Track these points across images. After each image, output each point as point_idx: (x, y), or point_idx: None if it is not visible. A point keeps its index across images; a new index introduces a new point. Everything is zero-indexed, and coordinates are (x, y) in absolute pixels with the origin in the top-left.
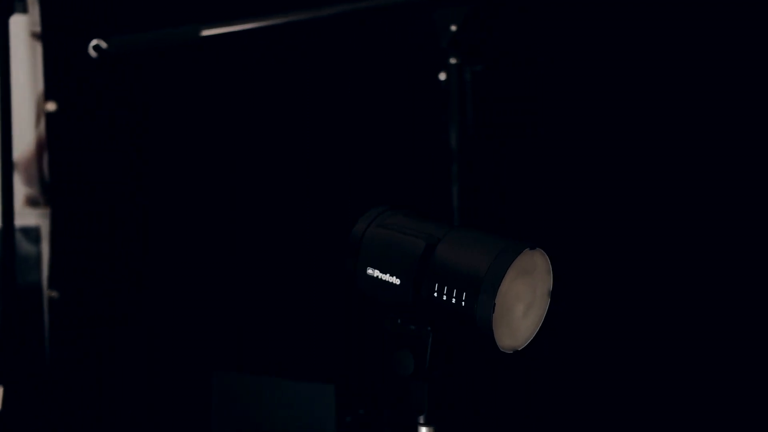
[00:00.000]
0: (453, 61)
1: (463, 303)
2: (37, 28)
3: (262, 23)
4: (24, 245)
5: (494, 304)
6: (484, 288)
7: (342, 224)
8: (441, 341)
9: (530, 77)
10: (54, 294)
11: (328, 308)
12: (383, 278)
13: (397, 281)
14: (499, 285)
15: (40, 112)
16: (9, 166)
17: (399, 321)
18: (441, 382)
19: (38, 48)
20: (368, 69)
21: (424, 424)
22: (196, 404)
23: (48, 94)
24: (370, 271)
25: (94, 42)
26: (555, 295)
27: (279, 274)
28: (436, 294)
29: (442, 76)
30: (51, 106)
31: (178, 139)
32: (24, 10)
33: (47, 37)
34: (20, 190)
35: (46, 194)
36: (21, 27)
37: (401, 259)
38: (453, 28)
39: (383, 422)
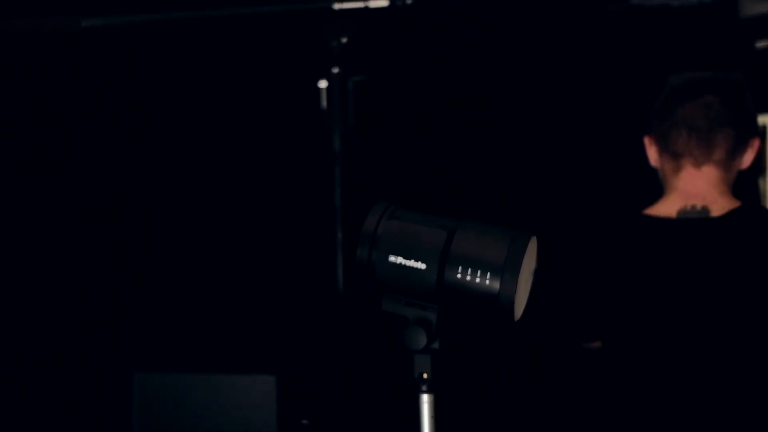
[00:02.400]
0: (335, 70)
1: (487, 282)
2: None
3: (147, 18)
4: None
5: (517, 281)
6: (507, 268)
7: (236, 222)
8: (443, 318)
9: (410, 86)
10: None
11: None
12: (408, 264)
13: (423, 266)
14: (521, 265)
15: None
16: None
17: (403, 301)
18: (440, 355)
19: None
20: (254, 73)
21: (426, 392)
22: (115, 409)
23: None
24: (392, 258)
25: None
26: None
27: (201, 272)
28: (459, 275)
29: (323, 84)
30: None
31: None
32: None
33: None
34: None
35: None
36: None
37: (425, 246)
38: (344, 40)
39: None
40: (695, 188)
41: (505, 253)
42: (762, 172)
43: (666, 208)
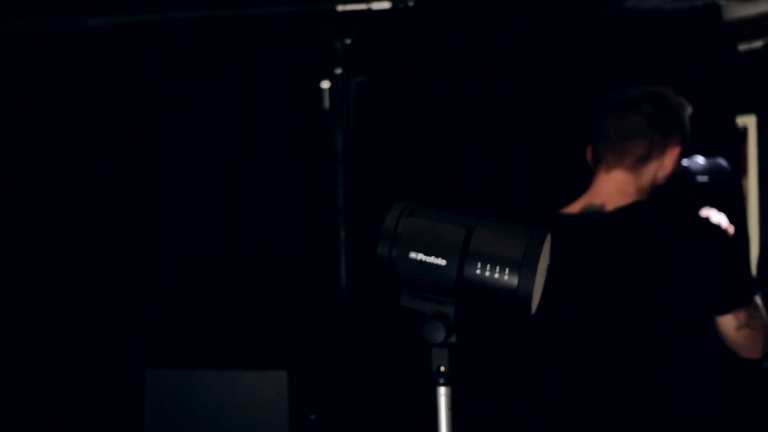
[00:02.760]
0: (338, 71)
1: (506, 277)
2: None
3: (151, 18)
4: None
5: (535, 276)
6: (525, 264)
7: (240, 222)
8: (461, 313)
9: (412, 87)
10: None
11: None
12: (428, 260)
13: (443, 262)
14: (538, 261)
15: None
16: None
17: (421, 297)
18: (457, 348)
19: None
20: (257, 74)
21: (443, 384)
22: (128, 405)
23: None
24: (413, 254)
25: None
26: None
27: (206, 269)
28: (478, 271)
29: (325, 85)
30: None
31: None
32: None
33: None
34: None
35: None
36: None
37: (445, 243)
38: (347, 41)
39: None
40: (601, 189)
41: (522, 250)
42: (744, 172)
43: (575, 207)
